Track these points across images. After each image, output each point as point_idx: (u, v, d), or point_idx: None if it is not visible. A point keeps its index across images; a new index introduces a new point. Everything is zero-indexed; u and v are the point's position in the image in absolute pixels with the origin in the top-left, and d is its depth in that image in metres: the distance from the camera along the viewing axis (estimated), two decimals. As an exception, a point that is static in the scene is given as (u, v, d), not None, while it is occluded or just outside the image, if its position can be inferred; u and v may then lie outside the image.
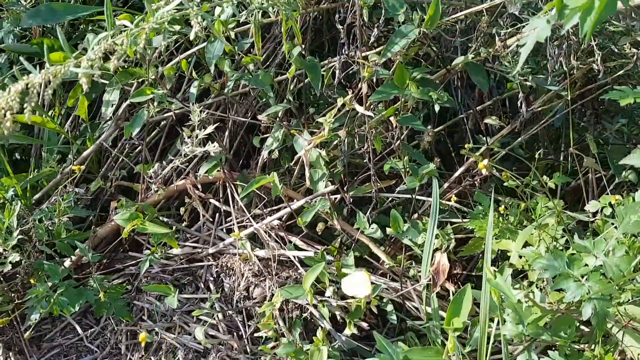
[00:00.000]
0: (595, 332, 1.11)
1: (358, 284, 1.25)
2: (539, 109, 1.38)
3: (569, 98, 1.30)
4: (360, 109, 1.34)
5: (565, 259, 0.98)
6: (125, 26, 1.10)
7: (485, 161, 1.00)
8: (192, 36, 1.14)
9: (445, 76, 1.44)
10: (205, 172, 1.51)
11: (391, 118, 1.40)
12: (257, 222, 1.52)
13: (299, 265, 1.47)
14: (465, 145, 1.18)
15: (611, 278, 0.98)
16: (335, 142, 1.49)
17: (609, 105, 1.47)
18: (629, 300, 1.10)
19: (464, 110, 1.59)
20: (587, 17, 0.66)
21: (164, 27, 1.14)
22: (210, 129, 1.41)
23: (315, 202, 1.45)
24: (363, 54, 1.34)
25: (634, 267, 1.00)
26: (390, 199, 1.55)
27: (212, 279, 1.54)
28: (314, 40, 1.72)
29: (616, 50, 1.23)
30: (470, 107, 1.51)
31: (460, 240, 1.45)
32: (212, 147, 1.42)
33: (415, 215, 1.49)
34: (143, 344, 1.11)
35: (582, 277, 0.97)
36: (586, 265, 0.99)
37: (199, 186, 1.57)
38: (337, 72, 1.34)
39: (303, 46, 1.35)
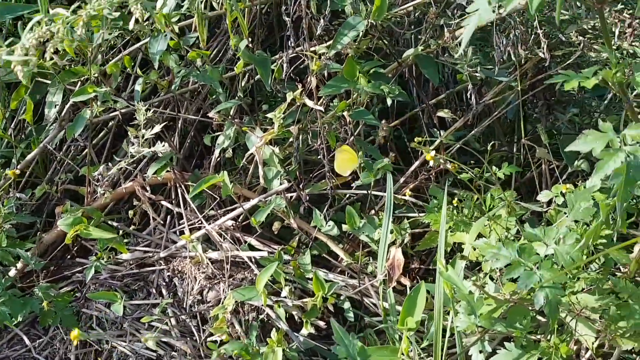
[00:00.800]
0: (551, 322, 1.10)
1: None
2: (491, 100, 1.37)
3: (519, 89, 1.29)
4: (310, 104, 1.31)
5: (516, 247, 0.96)
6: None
7: (433, 152, 0.98)
8: (131, 25, 1.10)
9: (397, 69, 1.42)
10: (154, 173, 1.45)
11: (344, 113, 1.37)
12: (210, 224, 1.47)
13: (254, 266, 1.43)
14: (415, 139, 1.16)
15: (562, 266, 0.97)
16: (290, 140, 1.46)
17: (560, 95, 1.47)
18: (583, 289, 1.09)
19: (420, 105, 1.58)
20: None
21: (102, 14, 1.09)
22: (157, 128, 1.36)
23: (270, 200, 1.42)
24: (312, 48, 1.32)
25: (585, 254, 0.99)
26: (347, 195, 1.52)
27: (164, 283, 1.49)
28: (267, 37, 1.68)
29: (563, 38, 1.23)
30: (424, 101, 1.49)
31: (418, 235, 1.43)
32: (160, 147, 1.37)
33: (373, 211, 1.47)
34: (75, 343, 1.05)
35: (534, 265, 0.96)
36: (537, 254, 0.98)
37: (148, 188, 1.52)
38: (284, 65, 1.31)
39: (250, 39, 1.31)
